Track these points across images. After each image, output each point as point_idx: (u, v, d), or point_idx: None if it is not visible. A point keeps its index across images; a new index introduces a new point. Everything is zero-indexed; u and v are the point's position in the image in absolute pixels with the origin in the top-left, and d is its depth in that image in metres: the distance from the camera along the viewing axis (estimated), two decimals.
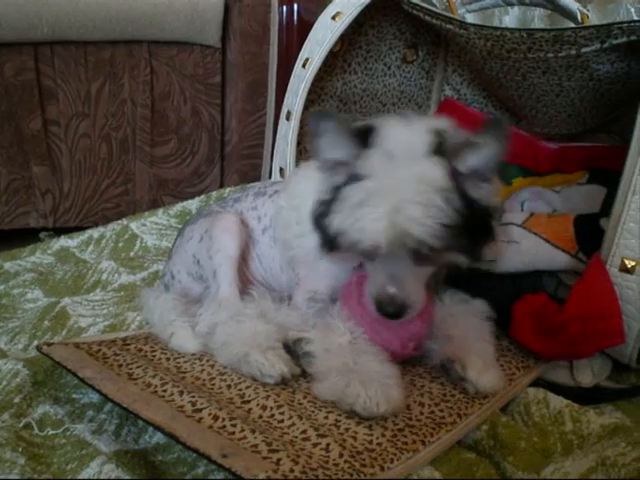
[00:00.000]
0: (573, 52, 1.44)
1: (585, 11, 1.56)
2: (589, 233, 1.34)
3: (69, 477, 1.02)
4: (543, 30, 1.48)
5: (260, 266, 1.47)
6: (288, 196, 1.42)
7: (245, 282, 1.43)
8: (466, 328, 1.24)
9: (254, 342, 1.22)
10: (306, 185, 1.37)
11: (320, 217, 1.18)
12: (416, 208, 1.06)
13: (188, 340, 1.30)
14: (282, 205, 1.42)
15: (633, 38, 1.34)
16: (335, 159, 1.16)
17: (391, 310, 1.13)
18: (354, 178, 1.11)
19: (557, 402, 1.15)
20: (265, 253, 1.45)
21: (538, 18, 2.31)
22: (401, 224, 1.06)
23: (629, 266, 1.20)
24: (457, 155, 1.10)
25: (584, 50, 1.42)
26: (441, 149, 1.10)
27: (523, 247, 1.38)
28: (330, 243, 1.18)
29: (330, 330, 1.18)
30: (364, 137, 1.13)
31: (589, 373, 1.27)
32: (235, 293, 1.37)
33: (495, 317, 1.28)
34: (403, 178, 1.08)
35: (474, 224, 1.12)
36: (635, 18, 2.10)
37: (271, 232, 1.44)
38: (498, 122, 1.12)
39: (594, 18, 1.83)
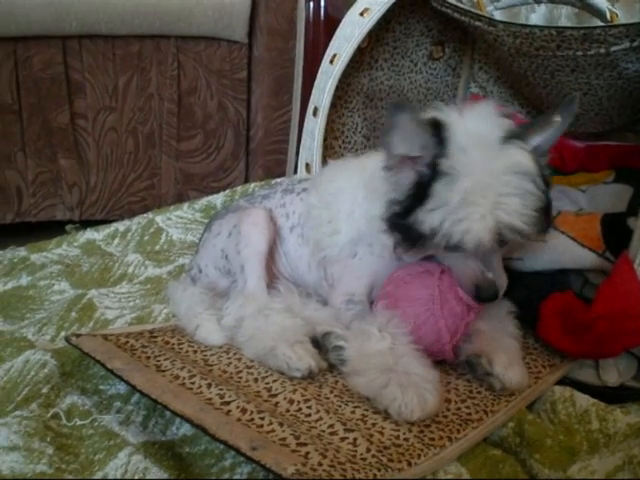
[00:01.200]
0: (602, 50, 1.43)
1: (614, 10, 1.55)
2: (616, 232, 1.33)
3: (97, 468, 1.02)
4: (573, 28, 1.47)
5: (287, 263, 1.47)
6: (319, 194, 1.41)
7: (272, 277, 1.43)
8: (492, 324, 1.25)
9: (282, 336, 1.22)
10: (339, 183, 1.38)
11: (397, 216, 1.17)
12: (515, 200, 1.08)
13: (214, 332, 1.30)
14: (313, 204, 1.41)
15: None
16: (407, 154, 1.14)
17: (491, 294, 1.17)
18: (440, 175, 1.10)
19: (583, 401, 1.15)
20: (292, 251, 1.45)
21: (565, 16, 2.30)
22: (503, 219, 1.08)
23: None
24: (529, 137, 1.14)
25: (613, 49, 1.42)
26: (514, 133, 1.12)
27: (550, 245, 1.38)
28: (413, 242, 1.17)
29: (366, 336, 1.17)
30: (437, 131, 1.12)
31: (615, 372, 1.26)
32: (262, 287, 1.37)
33: (520, 314, 1.28)
34: (497, 171, 1.09)
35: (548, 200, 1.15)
36: None
37: (299, 230, 1.44)
38: (572, 100, 1.18)
39: (622, 17, 1.82)
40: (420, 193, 1.12)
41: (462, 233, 1.09)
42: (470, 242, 1.10)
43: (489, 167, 1.09)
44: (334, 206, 1.36)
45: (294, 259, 1.45)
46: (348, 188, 1.36)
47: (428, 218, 1.10)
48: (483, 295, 1.17)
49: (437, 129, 1.12)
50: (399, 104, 1.13)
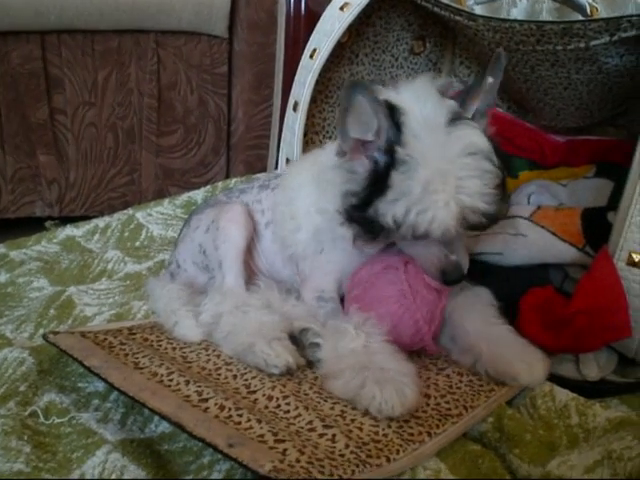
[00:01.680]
0: (582, 45, 1.43)
1: (594, 4, 1.55)
2: (596, 227, 1.34)
3: (74, 466, 1.01)
4: (552, 22, 1.47)
5: (264, 260, 1.46)
6: (283, 191, 1.41)
7: (251, 274, 1.43)
8: (484, 327, 1.23)
9: (260, 332, 1.21)
10: (299, 178, 1.38)
11: (355, 209, 1.15)
12: (475, 182, 1.07)
13: (192, 329, 1.30)
14: (278, 200, 1.41)
15: None
16: (362, 137, 1.11)
17: (458, 276, 1.17)
18: (397, 163, 1.08)
19: (563, 395, 1.14)
20: (268, 247, 1.44)
21: (546, 11, 2.30)
22: (466, 202, 1.07)
23: (636, 260, 1.20)
24: (469, 105, 1.14)
25: (593, 43, 1.42)
26: (458, 113, 1.12)
27: (530, 240, 1.38)
28: (374, 234, 1.16)
29: (341, 334, 1.16)
30: (392, 115, 1.10)
31: (595, 367, 1.27)
32: (240, 284, 1.36)
33: (500, 309, 1.28)
34: (452, 154, 1.08)
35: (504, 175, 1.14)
36: None
37: (273, 227, 1.43)
38: (499, 57, 1.17)
39: (603, 11, 1.82)
40: (378, 183, 1.10)
41: (428, 222, 1.07)
42: (437, 230, 1.08)
43: (444, 152, 1.08)
44: (295, 202, 1.35)
45: (270, 255, 1.44)
46: (305, 183, 1.35)
47: (389, 209, 1.09)
48: (450, 279, 1.17)
49: (391, 112, 1.10)
50: (356, 83, 1.08)
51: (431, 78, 1.18)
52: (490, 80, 1.15)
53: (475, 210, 1.08)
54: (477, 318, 1.24)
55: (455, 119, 1.10)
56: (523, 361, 1.17)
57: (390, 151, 1.09)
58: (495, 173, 1.09)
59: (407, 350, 1.19)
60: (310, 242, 1.33)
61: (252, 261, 1.45)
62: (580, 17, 1.60)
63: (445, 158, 1.07)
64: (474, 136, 1.10)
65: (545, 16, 2.28)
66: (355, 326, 1.16)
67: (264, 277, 1.43)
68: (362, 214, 1.13)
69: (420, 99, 1.12)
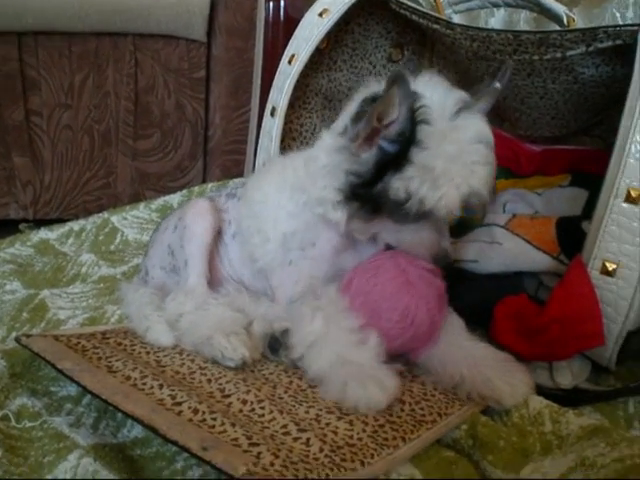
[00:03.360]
0: (558, 55, 1.44)
1: (571, 14, 1.57)
2: (571, 235, 1.35)
3: (46, 470, 1.00)
4: (529, 32, 1.48)
5: (232, 271, 1.44)
6: (247, 204, 1.40)
7: (219, 280, 1.42)
8: (463, 351, 1.22)
9: (219, 326, 1.23)
10: (264, 190, 1.37)
11: (360, 186, 1.16)
12: (485, 169, 1.12)
13: (163, 334, 1.29)
14: (243, 214, 1.40)
15: (618, 42, 1.35)
16: (390, 120, 1.11)
17: (448, 261, 1.21)
18: (419, 142, 1.10)
19: (537, 403, 1.15)
20: (236, 258, 1.43)
21: (524, 21, 2.32)
22: (474, 187, 1.12)
23: (610, 269, 1.21)
24: (476, 104, 1.17)
25: (569, 53, 1.43)
26: (467, 103, 1.15)
27: (505, 248, 1.39)
28: (374, 211, 1.18)
29: (302, 317, 1.17)
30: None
31: (568, 375, 1.27)
32: (203, 283, 1.36)
33: (475, 317, 1.28)
34: (466, 140, 1.11)
35: None
36: (620, 22, 2.11)
37: (239, 239, 1.41)
38: (507, 68, 1.23)
39: (579, 22, 1.84)
40: (390, 161, 1.12)
41: (438, 199, 1.10)
42: (443, 209, 1.12)
43: (458, 137, 1.11)
44: (262, 214, 1.34)
45: (239, 267, 1.43)
46: (272, 193, 1.35)
47: (405, 185, 1.11)
48: (441, 264, 1.20)
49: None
50: (400, 76, 1.08)
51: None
52: (497, 86, 1.20)
53: (479, 196, 1.14)
54: (451, 340, 1.23)
55: (465, 108, 1.14)
56: (507, 383, 1.15)
57: (401, 138, 1.11)
58: (494, 165, 1.15)
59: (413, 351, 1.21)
60: (278, 253, 1.32)
61: (220, 268, 1.44)
62: (557, 27, 1.61)
63: (460, 143, 1.11)
64: (482, 126, 1.14)
65: (523, 26, 2.31)
66: (312, 307, 1.18)
67: (234, 283, 1.42)
68: (368, 190, 1.15)
69: (431, 86, 1.15)
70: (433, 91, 1.14)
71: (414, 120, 1.10)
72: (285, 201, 1.32)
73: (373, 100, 1.14)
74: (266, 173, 1.44)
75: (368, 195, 1.16)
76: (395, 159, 1.12)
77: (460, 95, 1.16)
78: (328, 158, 1.22)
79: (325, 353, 1.13)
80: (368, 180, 1.15)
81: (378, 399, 1.06)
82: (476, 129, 1.13)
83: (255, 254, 1.35)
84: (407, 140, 1.10)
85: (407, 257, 1.21)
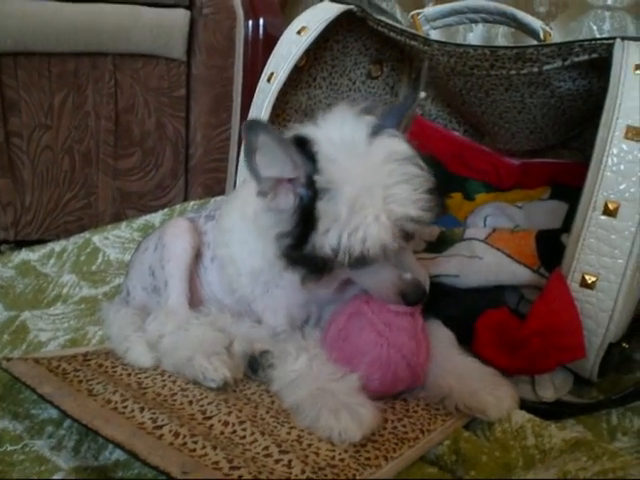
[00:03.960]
0: (535, 69, 1.46)
1: (548, 29, 1.58)
2: (550, 248, 1.35)
3: None
4: (506, 47, 1.50)
5: (212, 294, 1.42)
6: (219, 232, 1.37)
7: (199, 300, 1.41)
8: (451, 364, 1.21)
9: (200, 347, 1.22)
10: (230, 219, 1.35)
11: (293, 249, 1.10)
12: (403, 187, 1.03)
13: (143, 355, 1.28)
14: (217, 242, 1.37)
15: (594, 56, 1.37)
16: (277, 176, 1.07)
17: (419, 294, 1.11)
18: (320, 192, 1.04)
19: (519, 417, 1.15)
20: (215, 282, 1.40)
21: (502, 35, 2.34)
22: (398, 211, 1.03)
23: (589, 281, 1.21)
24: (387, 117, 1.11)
25: (546, 67, 1.44)
26: (377, 126, 1.08)
27: (486, 262, 1.39)
28: (320, 271, 1.11)
29: (285, 357, 1.17)
30: (304, 147, 1.07)
31: (551, 388, 1.28)
32: (184, 303, 1.35)
33: (456, 331, 1.28)
34: (374, 165, 1.04)
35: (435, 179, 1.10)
36: (598, 35, 2.13)
37: (218, 262, 1.38)
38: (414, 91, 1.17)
39: (557, 36, 1.86)
40: (307, 217, 1.06)
41: (361, 242, 1.02)
42: (373, 248, 1.03)
43: (366, 165, 1.04)
44: (232, 244, 1.32)
45: (219, 292, 1.40)
46: (237, 222, 1.31)
47: (325, 241, 1.04)
48: (412, 299, 1.12)
49: (303, 145, 1.07)
50: (255, 122, 1.04)
51: (350, 104, 1.13)
52: (424, 95, 1.15)
53: (409, 218, 1.04)
54: (441, 353, 1.22)
55: (375, 132, 1.07)
56: (492, 395, 1.15)
57: (311, 182, 1.05)
58: (424, 177, 1.05)
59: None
60: (253, 285, 1.30)
61: (200, 289, 1.42)
62: (534, 42, 1.62)
63: (368, 171, 1.04)
64: (395, 144, 1.06)
65: (500, 40, 2.33)
66: (297, 347, 1.17)
67: (216, 303, 1.40)
68: (301, 253, 1.08)
69: (337, 124, 1.09)
70: (337, 128, 1.09)
71: (312, 166, 1.06)
72: (247, 234, 1.28)
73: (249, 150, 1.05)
74: (235, 199, 1.40)
75: (304, 258, 1.09)
76: (309, 215, 1.05)
77: (368, 121, 1.09)
78: (262, 218, 1.18)
79: (304, 387, 1.12)
80: (298, 240, 1.08)
81: (352, 431, 1.03)
82: (386, 150, 1.05)
83: (233, 284, 1.34)
84: (313, 184, 1.05)
85: (374, 304, 1.17)
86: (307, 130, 1.11)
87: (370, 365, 1.14)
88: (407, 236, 1.08)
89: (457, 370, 1.19)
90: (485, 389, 1.16)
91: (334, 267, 1.09)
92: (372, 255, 1.05)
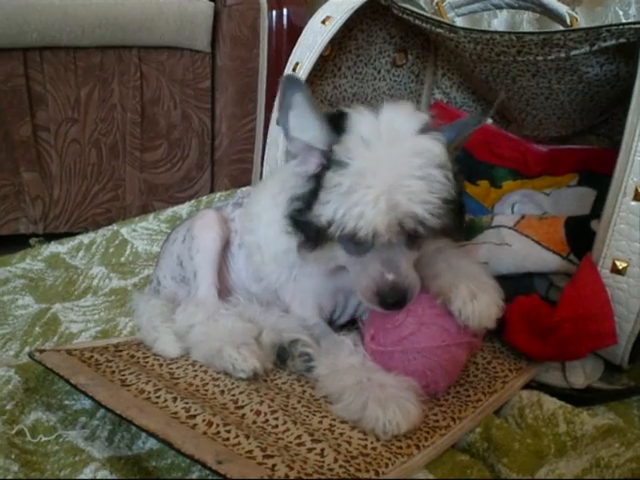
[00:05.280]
0: (562, 55, 1.44)
1: (574, 14, 1.56)
2: (580, 235, 1.34)
3: None
4: (532, 33, 1.48)
5: (240, 282, 1.43)
6: (248, 218, 1.38)
7: (228, 290, 1.42)
8: (456, 264, 1.18)
9: (229, 338, 1.23)
10: (258, 206, 1.35)
11: (299, 213, 1.11)
12: (417, 183, 1.00)
13: (171, 344, 1.29)
14: (244, 228, 1.38)
15: (622, 41, 1.35)
16: (306, 142, 1.08)
17: (394, 299, 1.08)
18: (336, 164, 1.04)
19: (550, 404, 1.15)
20: (243, 269, 1.42)
21: (527, 21, 2.32)
22: (402, 203, 1.00)
23: (620, 267, 1.20)
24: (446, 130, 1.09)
25: (573, 53, 1.43)
26: (429, 126, 1.07)
27: (515, 249, 1.39)
28: (314, 240, 1.11)
29: (339, 349, 1.15)
30: (337, 122, 1.07)
31: (581, 374, 1.27)
32: (213, 294, 1.36)
33: None
34: (399, 153, 1.02)
35: (460, 202, 1.10)
36: (623, 21, 2.11)
37: (245, 250, 1.40)
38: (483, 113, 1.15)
39: (582, 21, 1.83)
40: (316, 185, 1.07)
41: (355, 219, 1.01)
42: (364, 230, 1.01)
43: (391, 152, 1.03)
44: (258, 230, 1.33)
45: (247, 279, 1.41)
46: (263, 211, 1.32)
47: (323, 210, 1.04)
48: (386, 301, 1.08)
49: (338, 120, 1.07)
50: (294, 79, 1.05)
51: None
52: (491, 121, 1.13)
53: (411, 215, 1.02)
54: (458, 266, 1.18)
55: (423, 130, 1.06)
56: (470, 292, 1.11)
57: (330, 153, 1.05)
58: (447, 187, 1.03)
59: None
60: (280, 272, 1.31)
61: (228, 278, 1.44)
62: (560, 27, 1.61)
63: (390, 157, 1.02)
64: (433, 145, 1.04)
65: (525, 27, 2.31)
66: (354, 341, 1.16)
67: (243, 292, 1.42)
68: (304, 219, 1.09)
69: (393, 112, 1.09)
70: (398, 113, 1.08)
71: (329, 143, 1.06)
72: (275, 216, 1.25)
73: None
74: (264, 184, 1.42)
75: (306, 224, 1.09)
76: (319, 182, 1.07)
77: (421, 117, 1.08)
78: (286, 183, 1.20)
79: (353, 375, 1.10)
80: (305, 205, 1.09)
81: (397, 422, 1.01)
82: (418, 145, 1.03)
83: (259, 273, 1.35)
84: (329, 161, 1.06)
85: (424, 308, 1.13)
86: (360, 110, 1.10)
87: (411, 375, 1.11)
88: (407, 235, 1.06)
89: (455, 266, 1.17)
90: (467, 285, 1.12)
91: (326, 239, 1.08)
92: (362, 237, 1.03)
